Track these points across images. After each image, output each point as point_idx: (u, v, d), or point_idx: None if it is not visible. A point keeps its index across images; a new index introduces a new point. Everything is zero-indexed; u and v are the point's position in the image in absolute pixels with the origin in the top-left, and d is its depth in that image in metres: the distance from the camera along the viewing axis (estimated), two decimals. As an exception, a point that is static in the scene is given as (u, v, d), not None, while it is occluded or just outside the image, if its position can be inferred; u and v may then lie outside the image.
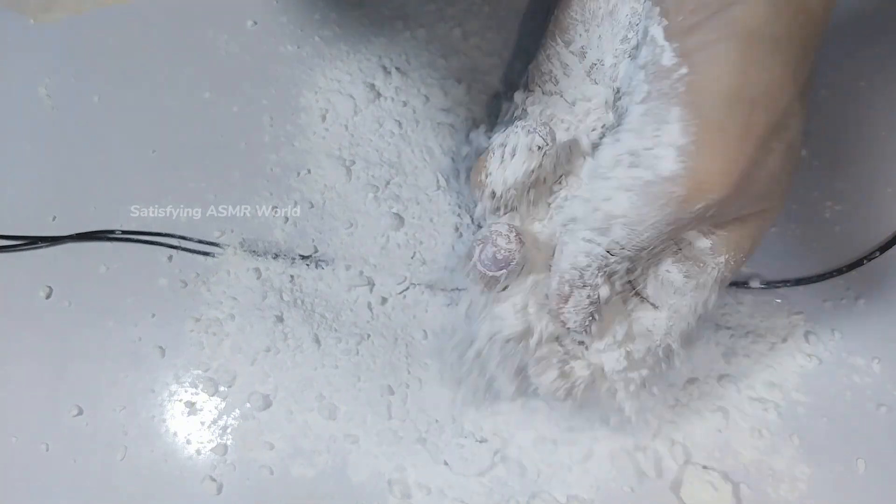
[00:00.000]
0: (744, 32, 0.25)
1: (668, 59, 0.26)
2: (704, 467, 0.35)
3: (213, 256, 0.38)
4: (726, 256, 0.29)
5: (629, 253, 0.28)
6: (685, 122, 0.25)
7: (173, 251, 0.38)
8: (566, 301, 0.29)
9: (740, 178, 0.25)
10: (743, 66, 0.25)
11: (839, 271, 0.37)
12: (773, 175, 0.27)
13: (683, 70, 0.26)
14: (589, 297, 0.29)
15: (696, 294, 0.30)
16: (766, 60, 0.25)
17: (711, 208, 0.26)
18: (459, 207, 0.38)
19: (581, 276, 0.28)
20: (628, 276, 0.30)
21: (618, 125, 0.29)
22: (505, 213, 0.31)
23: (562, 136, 0.31)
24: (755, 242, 0.30)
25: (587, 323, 0.29)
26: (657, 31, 0.27)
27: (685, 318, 0.30)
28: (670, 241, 0.29)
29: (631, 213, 0.27)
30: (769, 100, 0.25)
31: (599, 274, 0.28)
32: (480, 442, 0.35)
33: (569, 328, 0.29)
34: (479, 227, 0.36)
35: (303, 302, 0.37)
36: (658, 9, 0.28)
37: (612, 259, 0.28)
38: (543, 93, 0.33)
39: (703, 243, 0.29)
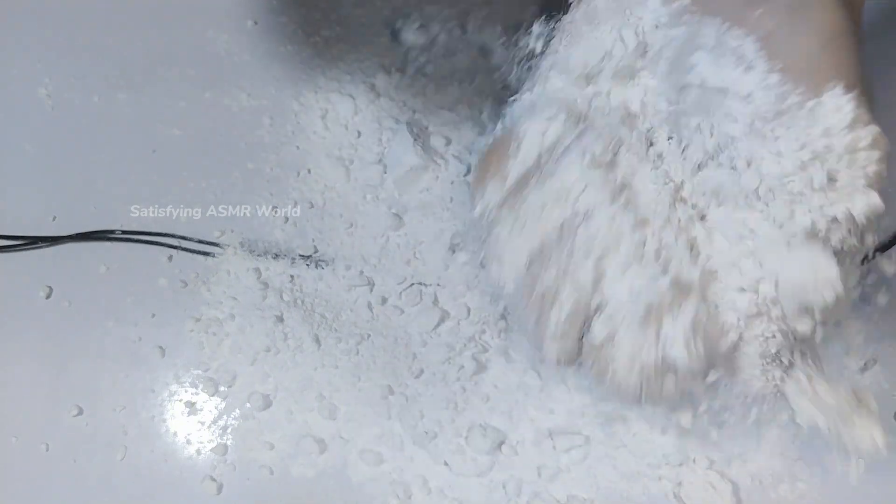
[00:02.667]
0: (825, 30, 0.27)
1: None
2: (704, 467, 0.35)
3: (213, 256, 0.38)
4: None
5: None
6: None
7: (173, 251, 0.38)
8: None
9: None
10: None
11: (839, 271, 0.37)
12: None
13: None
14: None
15: None
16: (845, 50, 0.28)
17: None
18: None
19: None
20: None
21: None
22: None
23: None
24: None
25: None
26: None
27: None
28: None
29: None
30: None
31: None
32: (483, 436, 0.35)
33: None
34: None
35: (303, 302, 0.37)
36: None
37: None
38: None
39: None
